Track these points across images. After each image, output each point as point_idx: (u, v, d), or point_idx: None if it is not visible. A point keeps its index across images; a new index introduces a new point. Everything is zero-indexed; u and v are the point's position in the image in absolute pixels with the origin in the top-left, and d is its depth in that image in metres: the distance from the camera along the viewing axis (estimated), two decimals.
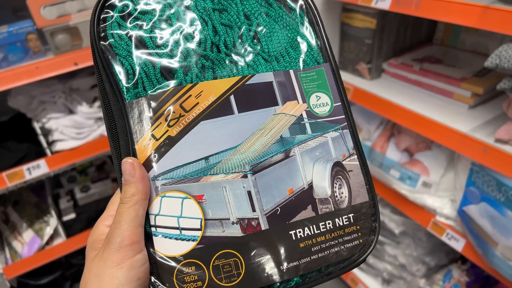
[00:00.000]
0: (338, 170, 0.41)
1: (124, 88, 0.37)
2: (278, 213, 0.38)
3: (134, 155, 0.37)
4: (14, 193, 1.40)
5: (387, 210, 1.37)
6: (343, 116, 0.43)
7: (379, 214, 0.42)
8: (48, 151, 1.22)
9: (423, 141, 1.17)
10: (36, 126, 1.23)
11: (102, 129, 1.30)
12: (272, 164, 0.39)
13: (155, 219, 0.36)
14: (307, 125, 0.41)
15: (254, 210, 0.37)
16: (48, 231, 1.34)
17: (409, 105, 1.05)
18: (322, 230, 0.39)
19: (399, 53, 1.26)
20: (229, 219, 0.37)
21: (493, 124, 0.94)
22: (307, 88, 0.42)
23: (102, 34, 0.38)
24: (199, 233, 0.36)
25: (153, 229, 0.36)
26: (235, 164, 0.38)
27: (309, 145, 0.41)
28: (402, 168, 1.17)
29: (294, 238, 0.38)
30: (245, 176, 0.38)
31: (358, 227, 0.41)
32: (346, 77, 1.28)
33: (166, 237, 0.36)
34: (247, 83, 0.40)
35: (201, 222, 0.36)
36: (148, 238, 0.36)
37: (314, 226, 0.39)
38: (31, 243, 1.31)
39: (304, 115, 0.42)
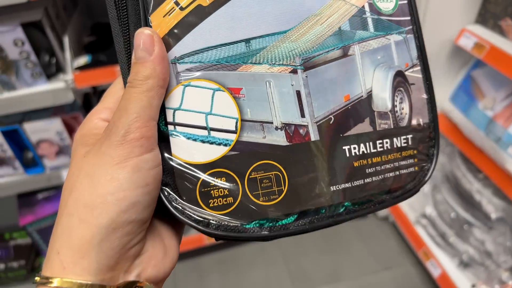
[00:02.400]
0: (400, 81, 0.34)
1: None
2: (331, 122, 0.31)
3: (148, 26, 0.28)
4: None
5: (489, 190, 1.23)
6: (409, 18, 0.35)
7: (438, 139, 0.35)
8: None
9: None
10: None
11: None
12: (327, 61, 0.31)
13: (174, 115, 0.28)
14: (369, 21, 0.34)
15: (303, 115, 0.30)
16: None
17: None
18: (379, 149, 0.33)
19: None
20: (272, 123, 0.30)
21: None
22: None
23: None
24: (233, 137, 0.29)
25: (170, 127, 0.28)
26: (284, 54, 0.30)
27: (370, 45, 0.33)
28: None
29: (348, 155, 0.32)
30: (294, 72, 0.30)
31: (415, 151, 0.34)
32: (483, 32, 1.10)
33: (189, 138, 0.28)
34: None
35: (236, 122, 0.29)
36: (163, 140, 0.28)
37: (371, 143, 0.33)
38: None
39: (367, 8, 0.33)
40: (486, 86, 1.17)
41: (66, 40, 1.10)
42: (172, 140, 0.28)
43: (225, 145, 0.29)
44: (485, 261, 1.26)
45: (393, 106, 0.35)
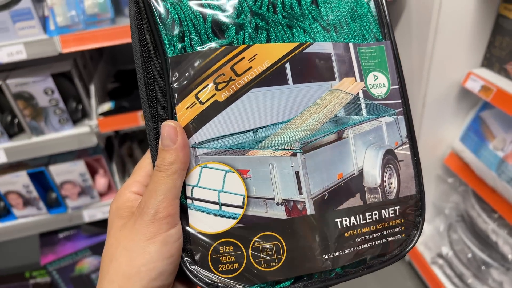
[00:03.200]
0: (390, 159, 0.38)
1: (167, 40, 0.34)
2: (325, 198, 0.35)
3: (173, 116, 0.34)
4: (141, 133, 1.57)
5: (505, 231, 1.22)
6: (400, 101, 0.39)
7: (424, 208, 0.39)
8: None
9: None
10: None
11: None
12: (323, 144, 0.36)
13: (192, 191, 0.33)
14: (363, 106, 0.38)
15: (301, 192, 0.35)
16: None
17: None
18: (368, 220, 0.37)
19: None
20: (274, 199, 0.34)
21: None
22: (365, 65, 0.38)
23: None
24: (240, 211, 0.34)
25: (189, 201, 0.33)
26: (285, 141, 0.35)
27: (363, 128, 0.38)
28: None
29: (339, 227, 0.36)
30: (294, 155, 0.35)
31: (402, 220, 0.38)
32: (490, 76, 1.14)
33: (203, 211, 0.33)
34: (304, 51, 0.36)
35: (243, 199, 0.34)
36: (182, 211, 0.33)
37: (360, 215, 0.36)
38: None
39: (361, 95, 0.38)
40: (495, 127, 1.19)
41: (92, 88, 1.18)
42: (190, 212, 0.33)
43: (233, 218, 0.34)
44: None
45: (382, 181, 0.38)
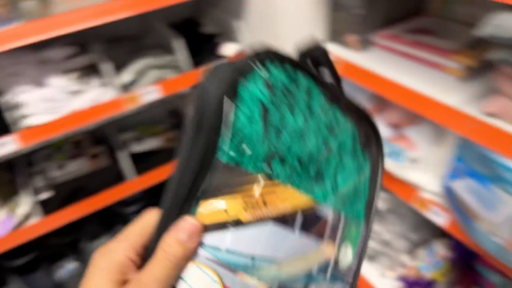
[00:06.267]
0: None
1: (225, 143, 0.32)
2: None
3: (195, 206, 0.32)
4: None
5: None
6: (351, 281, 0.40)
7: None
8: (17, 127, 1.15)
9: (411, 116, 1.14)
10: (4, 99, 1.15)
11: (77, 103, 1.23)
12: None
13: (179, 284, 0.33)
14: (328, 273, 0.38)
15: None
16: (22, 210, 1.27)
17: (398, 79, 1.02)
18: None
19: (390, 24, 1.21)
20: None
21: (484, 98, 0.91)
22: (344, 237, 0.39)
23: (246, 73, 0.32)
24: None
25: None
26: (269, 277, 0.35)
27: None
28: (389, 143, 1.15)
29: None
30: None
31: None
32: (337, 50, 1.23)
33: None
34: (313, 206, 0.37)
35: None
36: None
37: None
38: (4, 223, 1.25)
39: (331, 262, 0.39)
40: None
41: None
42: None
43: None
44: (386, 250, 1.37)
45: None
